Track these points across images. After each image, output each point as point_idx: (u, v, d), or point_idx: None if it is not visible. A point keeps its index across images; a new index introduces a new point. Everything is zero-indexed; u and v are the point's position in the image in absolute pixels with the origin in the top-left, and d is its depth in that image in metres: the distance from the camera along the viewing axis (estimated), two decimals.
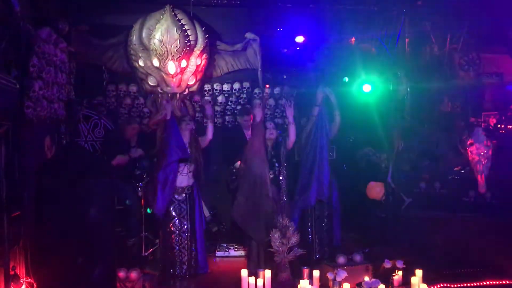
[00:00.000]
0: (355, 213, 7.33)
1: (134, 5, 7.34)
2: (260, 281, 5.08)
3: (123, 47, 7.32)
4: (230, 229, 7.24)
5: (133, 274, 5.22)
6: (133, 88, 7.54)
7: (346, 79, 8.30)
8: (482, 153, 7.17)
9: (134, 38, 7.10)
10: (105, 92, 7.42)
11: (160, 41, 6.89)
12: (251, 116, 7.01)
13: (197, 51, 7.20)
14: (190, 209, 6.05)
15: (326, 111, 6.40)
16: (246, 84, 7.87)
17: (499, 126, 8.47)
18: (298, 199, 6.32)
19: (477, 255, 6.02)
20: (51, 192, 4.55)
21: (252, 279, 5.06)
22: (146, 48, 7.06)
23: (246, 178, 6.02)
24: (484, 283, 5.58)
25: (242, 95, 7.86)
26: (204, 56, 7.34)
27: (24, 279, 4.52)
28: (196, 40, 7.13)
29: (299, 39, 7.86)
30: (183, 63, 7.10)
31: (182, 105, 7.45)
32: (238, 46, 7.63)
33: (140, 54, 7.14)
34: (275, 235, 5.58)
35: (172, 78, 7.16)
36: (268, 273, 5.19)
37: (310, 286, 5.08)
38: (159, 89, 7.35)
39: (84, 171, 4.73)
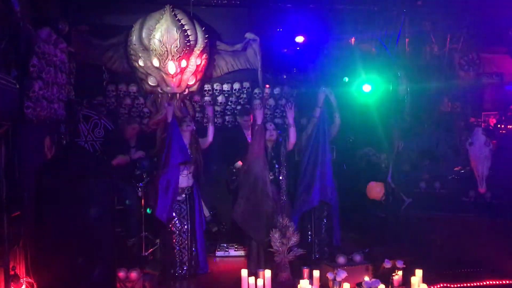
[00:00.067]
0: (355, 213, 7.33)
1: (134, 5, 7.35)
2: (260, 281, 5.08)
3: (123, 47, 7.32)
4: (230, 229, 7.24)
5: (133, 274, 5.22)
6: (133, 88, 7.54)
7: (346, 79, 8.31)
8: (482, 153, 7.17)
9: (134, 38, 7.10)
10: (105, 92, 7.42)
11: (160, 41, 6.89)
12: (251, 116, 7.02)
13: (197, 51, 7.21)
14: (190, 210, 6.05)
15: (327, 112, 6.39)
16: (246, 84, 7.87)
17: (499, 126, 8.47)
18: (300, 201, 6.29)
19: (477, 255, 6.01)
20: (51, 192, 4.55)
21: (252, 279, 5.06)
22: (146, 48, 7.07)
23: (247, 180, 6.00)
24: (484, 283, 5.57)
25: (242, 95, 7.86)
26: (204, 56, 7.35)
27: (24, 279, 4.53)
28: (196, 40, 7.14)
29: (299, 39, 7.87)
30: (183, 63, 7.10)
31: (182, 105, 7.46)
32: (238, 46, 7.64)
33: (140, 54, 7.15)
34: (275, 235, 5.59)
35: (172, 78, 7.16)
36: (268, 273, 5.19)
37: (310, 286, 5.08)
38: (159, 89, 7.36)
39: (84, 171, 4.74)
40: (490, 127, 8.47)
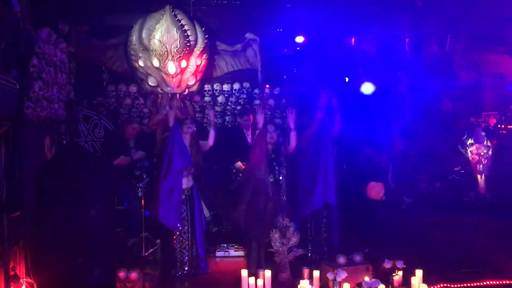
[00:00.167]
0: (355, 213, 7.32)
1: (134, 6, 7.35)
2: (260, 281, 5.08)
3: (123, 47, 7.33)
4: (230, 230, 7.24)
5: (133, 275, 5.22)
6: (133, 88, 7.54)
7: (347, 79, 8.30)
8: (482, 153, 7.18)
9: (134, 38, 7.11)
10: (105, 93, 7.43)
11: (160, 41, 6.90)
12: (251, 116, 7.02)
13: (197, 51, 7.21)
14: (190, 210, 6.04)
15: (329, 114, 6.34)
16: (246, 84, 7.87)
17: (499, 126, 8.48)
18: (302, 204, 6.21)
19: (477, 255, 6.01)
20: (51, 193, 4.55)
21: (252, 279, 5.06)
22: (146, 49, 7.07)
23: (249, 184, 5.97)
24: (484, 283, 5.57)
25: (242, 95, 7.86)
26: (204, 56, 7.35)
27: (24, 279, 4.52)
28: (196, 41, 7.14)
29: (299, 39, 7.87)
30: (183, 63, 7.11)
31: (182, 105, 7.46)
32: (238, 47, 7.64)
33: (140, 55, 7.15)
34: (275, 235, 5.58)
35: (172, 78, 7.17)
36: (268, 273, 5.19)
37: (310, 286, 5.07)
38: (159, 90, 7.36)
39: (84, 171, 4.73)
40: (490, 127, 8.48)
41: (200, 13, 7.50)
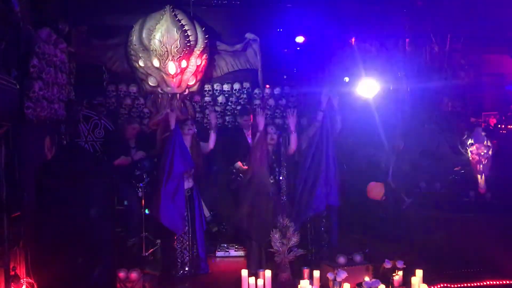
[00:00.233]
0: (356, 213, 7.32)
1: (134, 6, 7.35)
2: (260, 281, 5.08)
3: (123, 47, 7.33)
4: (230, 229, 7.24)
5: (133, 275, 5.21)
6: (133, 88, 7.54)
7: (347, 79, 8.30)
8: (482, 153, 7.16)
9: (134, 38, 7.11)
10: (105, 93, 7.42)
11: (160, 41, 6.90)
12: (251, 116, 7.02)
13: (197, 51, 7.22)
14: (190, 211, 6.04)
15: (330, 115, 6.30)
16: (246, 85, 7.87)
17: (499, 126, 8.48)
18: (304, 207, 6.15)
19: (477, 255, 6.01)
20: (51, 193, 4.56)
21: (252, 279, 5.06)
22: (146, 49, 7.07)
23: (250, 187, 5.96)
24: (484, 283, 5.57)
25: (242, 95, 7.87)
26: (204, 56, 7.35)
27: (25, 279, 4.52)
28: (196, 41, 7.14)
29: (299, 39, 7.88)
30: (183, 63, 7.11)
31: (182, 105, 7.46)
32: (238, 47, 7.65)
33: (140, 55, 7.15)
34: (276, 235, 5.58)
35: (172, 78, 7.17)
36: (268, 273, 5.19)
37: (311, 286, 5.07)
38: (159, 90, 7.36)
39: (84, 171, 4.74)
40: (490, 127, 8.48)
41: (200, 13, 7.51)
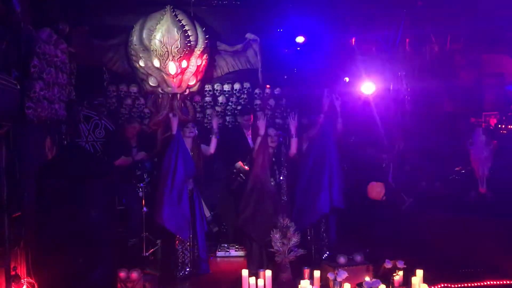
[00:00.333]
0: (356, 213, 7.32)
1: (134, 6, 7.35)
2: (260, 281, 5.09)
3: (123, 47, 7.33)
4: (230, 230, 7.25)
5: (134, 274, 5.23)
6: (133, 88, 7.54)
7: (347, 79, 8.30)
8: (483, 153, 7.17)
9: (135, 38, 7.11)
10: (105, 93, 7.43)
11: (160, 41, 6.91)
12: (251, 116, 7.03)
13: (197, 51, 7.22)
14: (191, 211, 6.05)
15: (332, 118, 6.26)
16: (247, 85, 7.87)
17: (499, 126, 8.46)
18: (307, 210, 6.13)
19: (477, 255, 6.01)
20: (52, 193, 4.55)
21: (252, 279, 5.07)
22: (146, 49, 7.08)
23: (254, 190, 5.96)
24: (484, 283, 5.57)
25: (242, 96, 7.86)
26: (204, 56, 7.36)
27: (25, 279, 4.54)
28: (196, 41, 7.15)
29: (299, 39, 7.86)
30: (184, 63, 7.11)
31: (182, 105, 7.46)
32: (239, 47, 7.65)
33: (140, 55, 7.16)
34: (276, 236, 5.59)
35: (173, 78, 7.17)
36: (268, 273, 5.20)
37: (311, 286, 5.08)
38: (159, 90, 7.37)
39: (85, 171, 4.73)
40: (491, 127, 8.46)
41: (201, 13, 7.51)
